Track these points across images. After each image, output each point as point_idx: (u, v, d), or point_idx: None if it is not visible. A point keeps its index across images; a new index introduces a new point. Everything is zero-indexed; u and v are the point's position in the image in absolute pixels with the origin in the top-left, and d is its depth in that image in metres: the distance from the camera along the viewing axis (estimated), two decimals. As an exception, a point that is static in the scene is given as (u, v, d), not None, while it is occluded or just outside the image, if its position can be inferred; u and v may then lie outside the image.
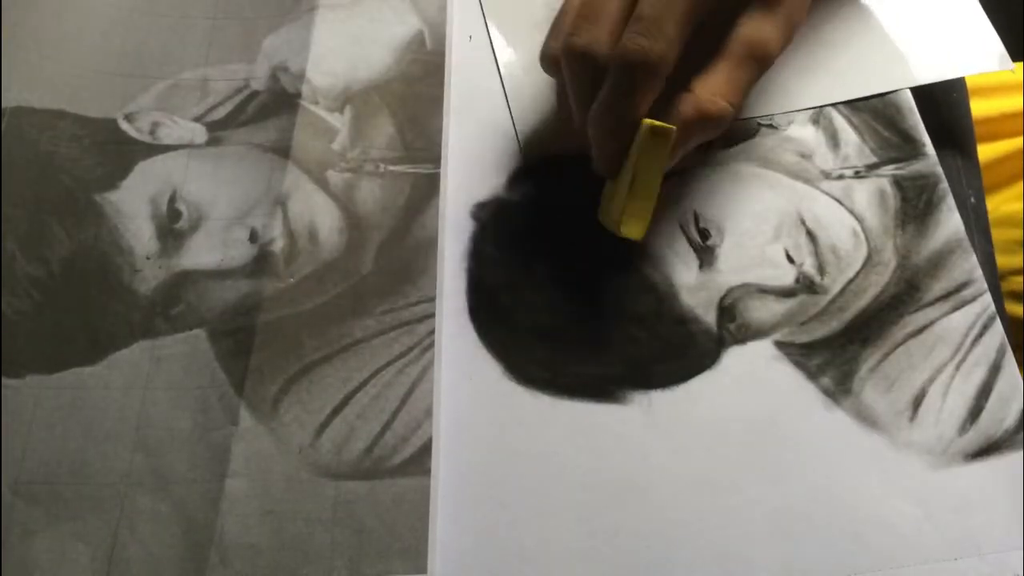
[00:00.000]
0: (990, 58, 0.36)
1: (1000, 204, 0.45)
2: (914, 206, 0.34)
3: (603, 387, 0.31)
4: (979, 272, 0.32)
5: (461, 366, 0.31)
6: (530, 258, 0.34)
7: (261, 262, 0.32)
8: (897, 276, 0.33)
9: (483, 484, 0.29)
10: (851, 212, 0.34)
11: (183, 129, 0.36)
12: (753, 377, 0.31)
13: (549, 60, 0.33)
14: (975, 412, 0.30)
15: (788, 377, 0.31)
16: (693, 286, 0.33)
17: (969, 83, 0.38)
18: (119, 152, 0.35)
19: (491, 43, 0.39)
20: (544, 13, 0.39)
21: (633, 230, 0.30)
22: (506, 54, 0.38)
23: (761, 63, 0.31)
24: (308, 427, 0.29)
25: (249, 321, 0.31)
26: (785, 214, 0.34)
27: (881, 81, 0.36)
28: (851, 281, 0.33)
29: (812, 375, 0.31)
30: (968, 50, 0.37)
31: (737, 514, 0.29)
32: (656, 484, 0.29)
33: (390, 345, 0.31)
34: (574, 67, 0.30)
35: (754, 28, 0.31)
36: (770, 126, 0.36)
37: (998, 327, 0.31)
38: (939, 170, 0.35)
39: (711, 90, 0.30)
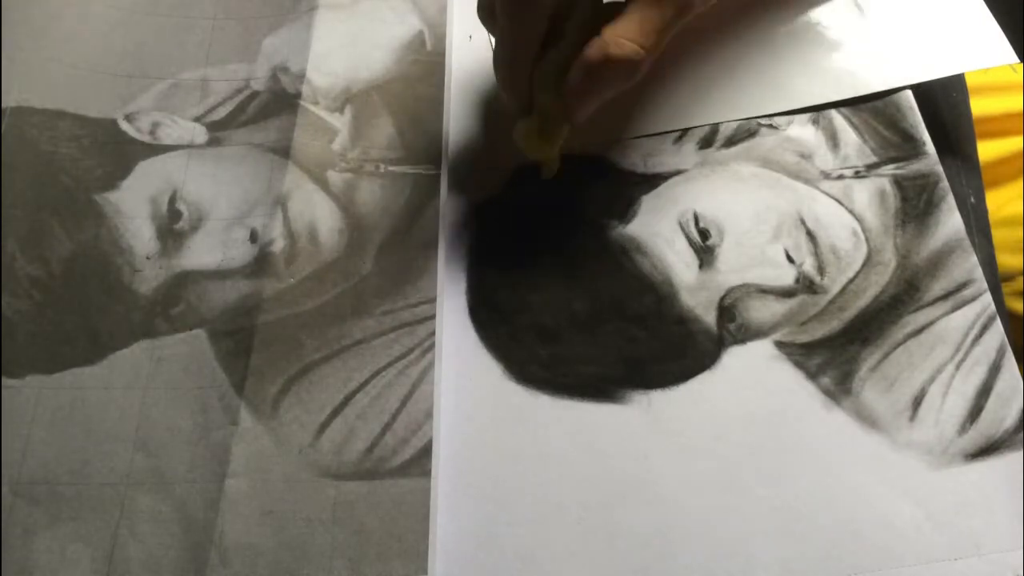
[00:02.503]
0: (993, 52, 0.36)
1: (1003, 204, 0.45)
2: (914, 206, 0.34)
3: (603, 387, 0.31)
4: (979, 272, 0.32)
5: (461, 366, 0.31)
6: (530, 258, 0.34)
7: (261, 262, 0.32)
8: (897, 276, 0.33)
9: (483, 484, 0.29)
10: (851, 212, 0.34)
11: (183, 129, 0.36)
12: (753, 377, 0.31)
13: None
14: (975, 412, 0.30)
15: (788, 377, 0.31)
16: (693, 286, 0.33)
17: (969, 82, 0.38)
18: (119, 152, 0.35)
19: (491, 44, 0.39)
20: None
21: (537, 151, 0.33)
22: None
23: (680, 5, 0.30)
24: (308, 427, 0.29)
25: (249, 321, 0.31)
26: (785, 214, 0.34)
27: (885, 78, 0.36)
28: (851, 281, 0.33)
29: (812, 375, 0.31)
30: (971, 45, 0.37)
31: (737, 514, 0.29)
32: (656, 484, 0.29)
33: (390, 346, 0.31)
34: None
35: None
36: (770, 126, 0.36)
37: (998, 327, 0.31)
38: (939, 169, 0.35)
39: (619, 32, 0.30)
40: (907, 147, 0.35)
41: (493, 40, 0.32)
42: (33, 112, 0.36)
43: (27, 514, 0.28)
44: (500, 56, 0.31)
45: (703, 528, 0.28)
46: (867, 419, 0.30)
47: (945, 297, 0.32)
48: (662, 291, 0.33)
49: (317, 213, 0.34)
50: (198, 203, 0.34)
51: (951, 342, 0.31)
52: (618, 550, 0.28)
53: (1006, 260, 0.37)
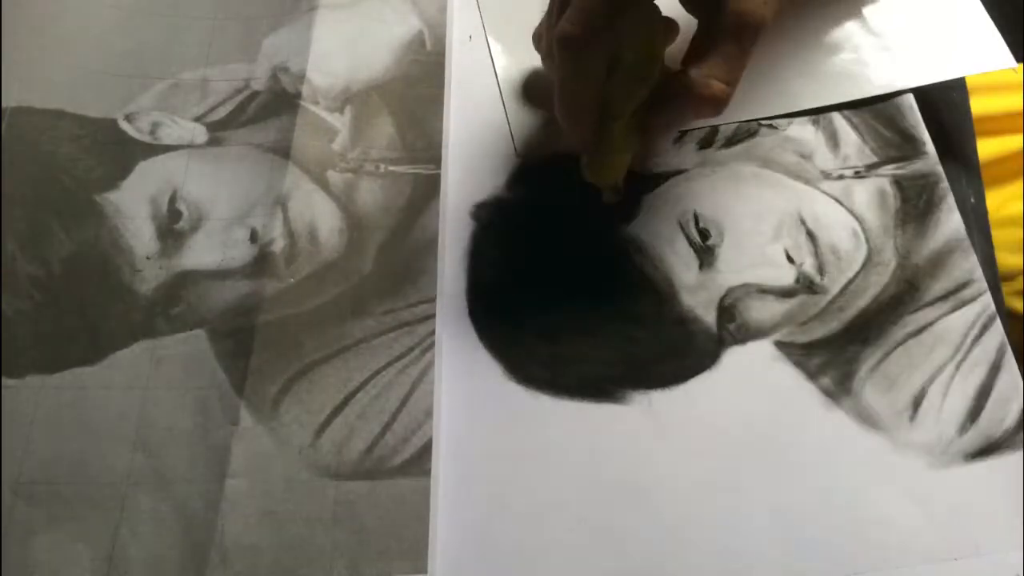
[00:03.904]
0: (993, 57, 0.36)
1: (1003, 204, 0.45)
2: (914, 206, 0.34)
3: (603, 387, 0.31)
4: (979, 272, 0.32)
5: (461, 366, 0.31)
6: (530, 258, 0.34)
7: (261, 262, 0.32)
8: (897, 276, 0.33)
9: (483, 484, 0.29)
10: (851, 212, 0.34)
11: (183, 129, 0.36)
12: (753, 377, 0.31)
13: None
14: (975, 412, 0.30)
15: (788, 377, 0.31)
16: (693, 286, 0.33)
17: (969, 82, 0.38)
18: (119, 152, 0.35)
19: (488, 46, 0.39)
20: (540, 16, 0.39)
21: (604, 179, 0.33)
22: (503, 57, 0.38)
23: (755, 33, 0.30)
24: (308, 427, 0.29)
25: (249, 321, 0.31)
26: (785, 214, 0.34)
27: (885, 82, 0.36)
28: (851, 281, 0.33)
29: (812, 375, 0.31)
30: (970, 49, 0.37)
31: (737, 514, 0.29)
32: (656, 484, 0.29)
33: (390, 346, 0.31)
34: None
35: None
36: (770, 126, 0.36)
37: (998, 327, 0.31)
38: (939, 170, 0.35)
39: (707, 73, 0.30)
40: (907, 147, 0.35)
41: (548, 71, 0.32)
42: (33, 112, 0.36)
43: (27, 514, 0.28)
44: (563, 97, 0.30)
45: (703, 528, 0.28)
46: (867, 419, 0.30)
47: (945, 297, 0.32)
48: (662, 291, 0.33)
49: (317, 213, 0.34)
50: (198, 203, 0.34)
51: (951, 342, 0.31)
52: (618, 550, 0.28)
53: (1006, 260, 0.37)
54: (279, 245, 0.33)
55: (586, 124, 0.31)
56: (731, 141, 0.36)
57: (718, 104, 0.30)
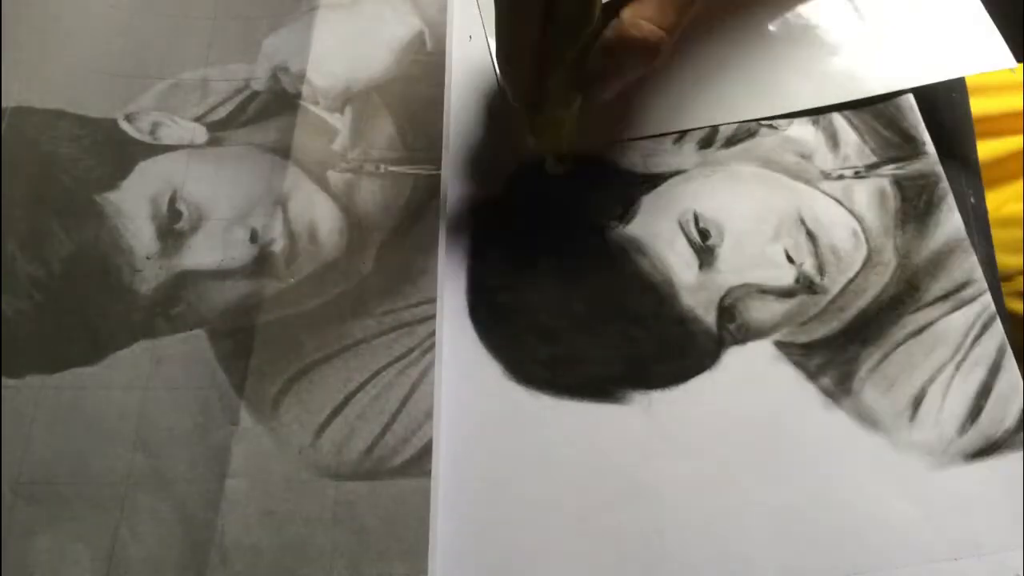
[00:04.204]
0: (993, 57, 0.36)
1: (1002, 204, 0.45)
2: (914, 206, 0.34)
3: (603, 387, 0.31)
4: (979, 272, 0.32)
5: (461, 366, 0.31)
6: (530, 258, 0.34)
7: (261, 262, 0.32)
8: (897, 276, 0.33)
9: (483, 484, 0.29)
10: (851, 212, 0.34)
11: (183, 129, 0.36)
12: (753, 377, 0.31)
13: None
14: (975, 412, 0.30)
15: (788, 377, 0.31)
16: (693, 286, 0.33)
17: (969, 82, 0.38)
18: (119, 152, 0.35)
19: (488, 46, 0.39)
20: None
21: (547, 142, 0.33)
22: (506, 54, 0.38)
23: None
24: (308, 427, 0.29)
25: (249, 321, 0.31)
26: (785, 214, 0.34)
27: (885, 82, 0.36)
28: (851, 281, 0.33)
29: (812, 375, 0.31)
30: (970, 49, 0.37)
31: (737, 514, 0.29)
32: (656, 484, 0.29)
33: (390, 346, 0.31)
34: None
35: None
36: (770, 126, 0.36)
37: (998, 327, 0.31)
38: (939, 170, 0.35)
39: (638, 14, 0.28)
40: (907, 147, 0.35)
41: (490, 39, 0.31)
42: (33, 112, 0.36)
43: (27, 514, 0.28)
44: (499, 42, 0.29)
45: (703, 528, 0.28)
46: (867, 419, 0.30)
47: (945, 297, 0.32)
48: (662, 291, 0.33)
49: (317, 213, 0.34)
50: (198, 203, 0.34)
51: (951, 342, 0.31)
52: (618, 550, 0.28)
53: (1005, 260, 0.37)
54: (279, 245, 0.33)
55: (523, 71, 0.29)
56: (731, 141, 0.36)
57: (648, 49, 0.29)
